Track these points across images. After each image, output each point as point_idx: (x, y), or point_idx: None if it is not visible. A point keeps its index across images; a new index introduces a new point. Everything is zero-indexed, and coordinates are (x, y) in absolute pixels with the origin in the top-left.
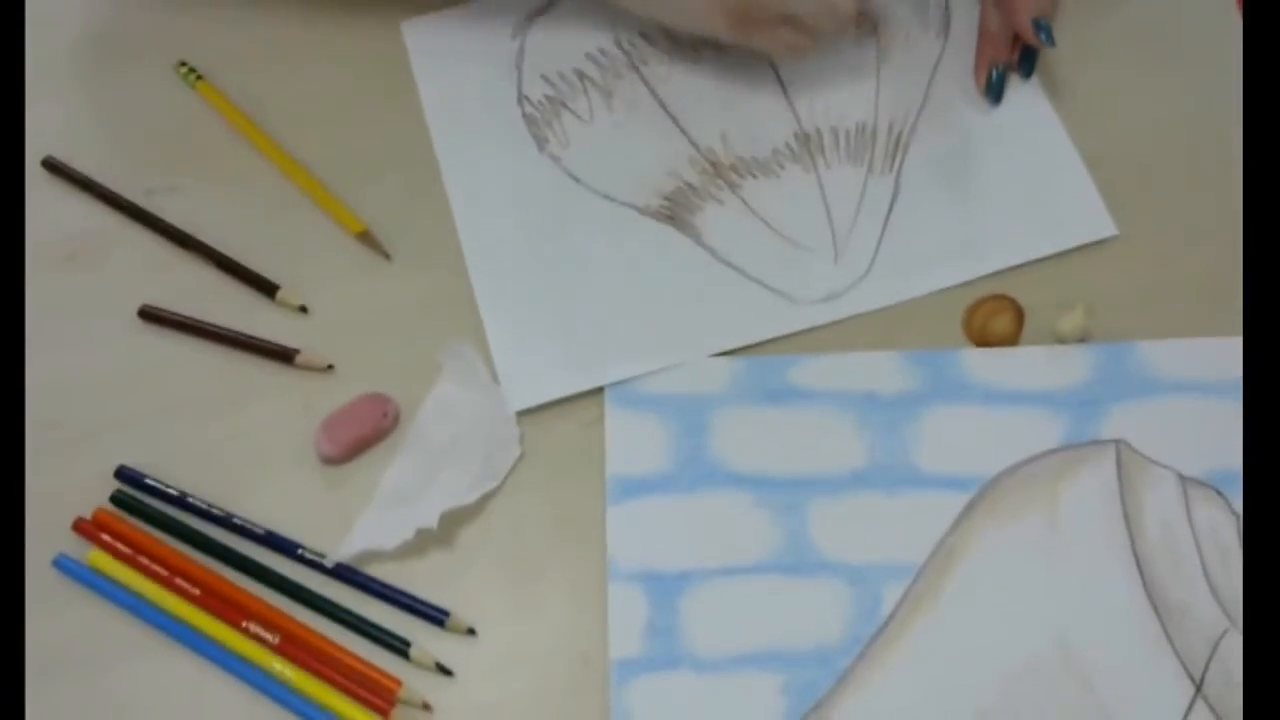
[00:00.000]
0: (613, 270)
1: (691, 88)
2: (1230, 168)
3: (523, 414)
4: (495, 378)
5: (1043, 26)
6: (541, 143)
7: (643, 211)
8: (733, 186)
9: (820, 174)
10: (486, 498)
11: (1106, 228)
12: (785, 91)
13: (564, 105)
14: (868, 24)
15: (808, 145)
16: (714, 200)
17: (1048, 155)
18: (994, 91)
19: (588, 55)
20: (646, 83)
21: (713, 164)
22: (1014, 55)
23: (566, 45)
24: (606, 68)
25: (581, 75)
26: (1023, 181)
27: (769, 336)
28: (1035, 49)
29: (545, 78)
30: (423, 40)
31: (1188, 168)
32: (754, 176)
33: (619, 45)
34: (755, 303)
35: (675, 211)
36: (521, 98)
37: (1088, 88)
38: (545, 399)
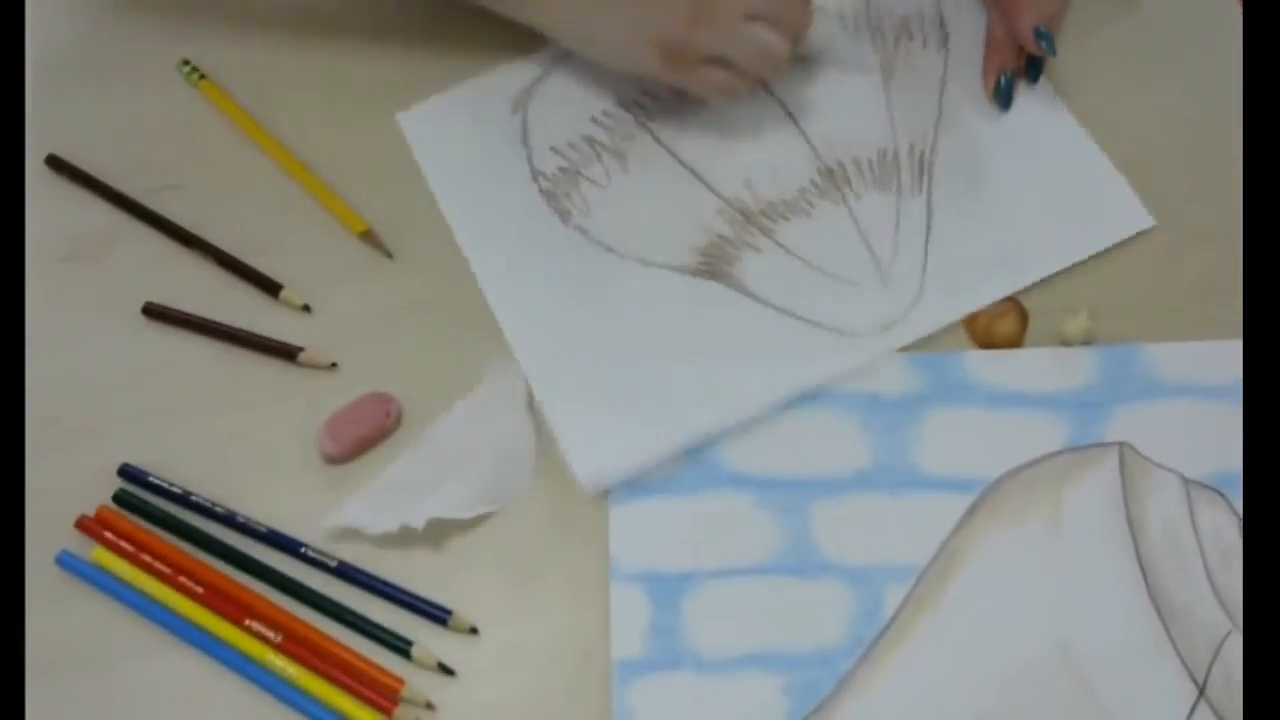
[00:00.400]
0: (663, 334)
1: (705, 138)
2: (1231, 170)
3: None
4: (533, 404)
5: (1044, 35)
6: (564, 216)
7: (681, 271)
8: (766, 232)
9: (851, 205)
10: None
11: (1143, 220)
12: (799, 128)
13: (579, 174)
14: (804, 65)
15: (833, 179)
16: (750, 248)
17: (1073, 156)
18: (1003, 97)
19: (593, 119)
20: (659, 139)
21: (742, 212)
22: (1021, 61)
23: (569, 112)
24: (615, 129)
25: (591, 141)
26: (1054, 184)
27: (837, 373)
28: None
29: (555, 149)
30: (423, 131)
31: (1189, 170)
32: (786, 219)
33: (622, 105)
34: (814, 343)
35: (714, 265)
36: (535, 174)
37: (1088, 90)
38: (626, 473)
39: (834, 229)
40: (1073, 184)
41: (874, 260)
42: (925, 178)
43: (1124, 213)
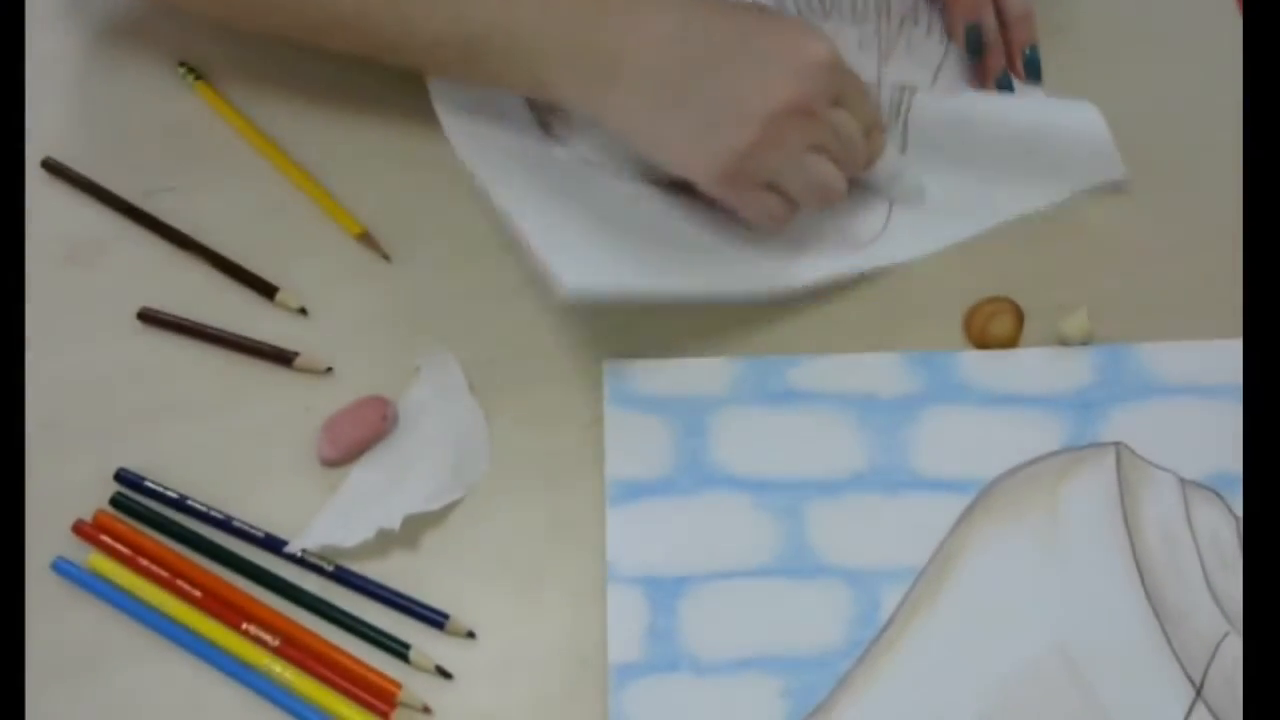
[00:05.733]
0: (640, 209)
1: None
2: (1230, 169)
3: (521, 417)
4: (472, 388)
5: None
6: (546, 127)
7: (655, 185)
8: None
9: None
10: (487, 500)
11: (1115, 168)
12: None
13: None
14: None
15: None
16: None
17: (1054, 103)
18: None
19: None
20: None
21: None
22: (1003, 60)
23: None
24: None
25: None
26: (1033, 125)
27: (803, 283)
28: (1034, 57)
29: None
30: None
31: (1187, 168)
32: None
33: None
34: (813, 241)
35: (688, 187)
36: None
37: (1087, 89)
38: (609, 287)
39: None
40: (1051, 126)
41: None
42: (903, 111)
43: (1097, 157)
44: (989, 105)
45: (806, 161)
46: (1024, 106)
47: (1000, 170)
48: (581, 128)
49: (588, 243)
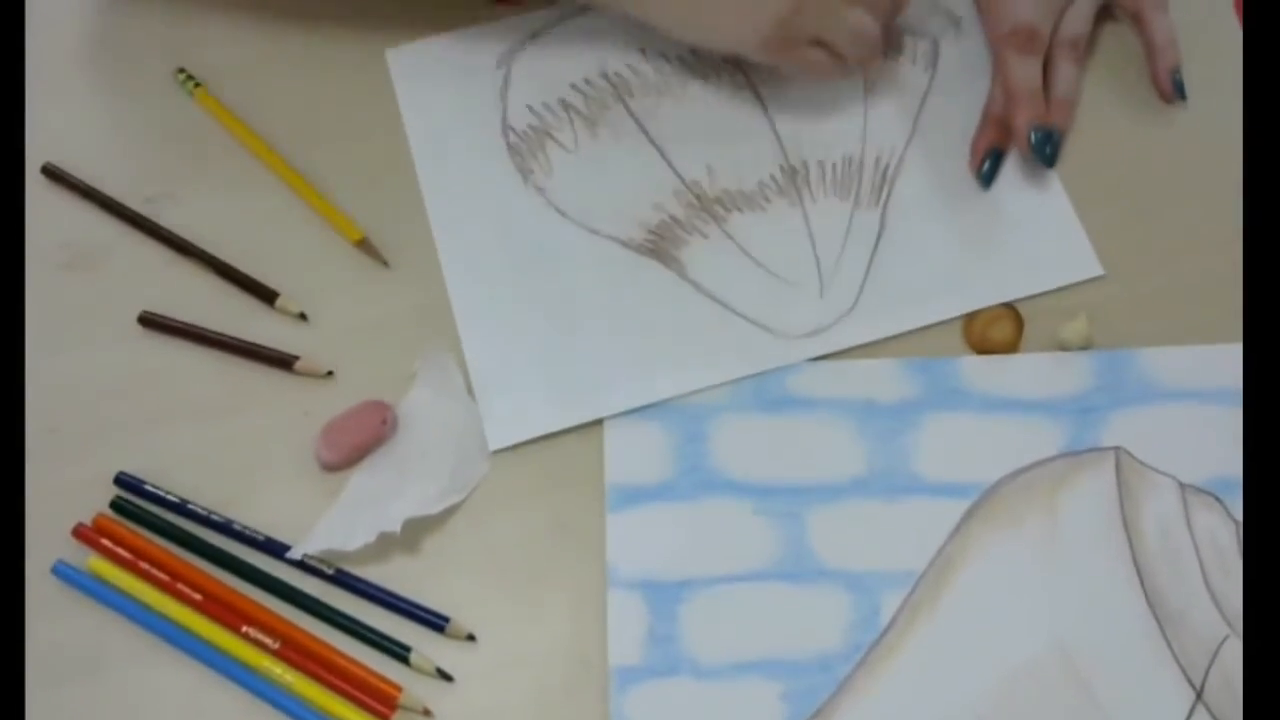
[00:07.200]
0: (596, 306)
1: (678, 119)
2: (1230, 174)
3: None
4: (470, 390)
5: (1040, 137)
6: (526, 174)
7: (626, 245)
8: (718, 220)
9: (806, 207)
10: (487, 503)
11: (1093, 268)
12: (772, 124)
13: (549, 135)
14: (893, 55)
15: (794, 178)
16: (698, 234)
17: (1036, 192)
18: (986, 178)
19: (573, 85)
20: (632, 114)
21: (698, 196)
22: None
23: (552, 75)
24: (592, 98)
25: (567, 105)
26: (1011, 218)
27: (752, 372)
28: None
29: (530, 108)
30: (407, 68)
31: (1187, 174)
32: (739, 210)
33: (605, 76)
34: (739, 338)
35: (659, 245)
36: (506, 128)
37: (1087, 93)
38: (525, 437)
39: (785, 228)
40: (1029, 221)
41: (817, 265)
42: (885, 191)
43: (1074, 258)
44: (971, 192)
45: (845, 13)
46: (1006, 198)
47: (976, 262)
48: (559, 175)
49: (520, 386)
